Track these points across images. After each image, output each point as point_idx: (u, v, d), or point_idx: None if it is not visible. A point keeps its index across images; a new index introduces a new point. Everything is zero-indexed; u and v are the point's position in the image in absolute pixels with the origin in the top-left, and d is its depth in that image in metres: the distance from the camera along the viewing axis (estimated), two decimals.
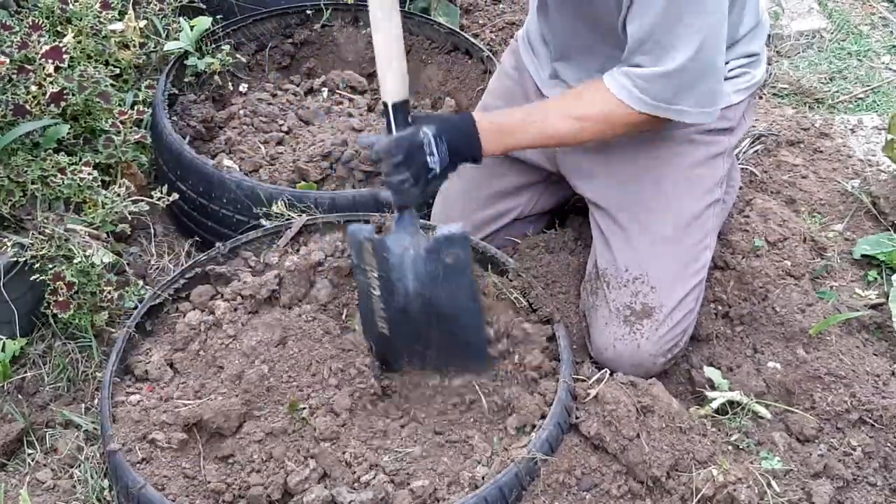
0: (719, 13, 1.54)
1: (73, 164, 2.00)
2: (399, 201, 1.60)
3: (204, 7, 2.70)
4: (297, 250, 1.91)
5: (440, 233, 1.58)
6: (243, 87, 2.67)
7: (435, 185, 1.62)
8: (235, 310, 1.80)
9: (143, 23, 2.50)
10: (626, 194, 1.81)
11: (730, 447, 1.65)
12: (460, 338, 1.66)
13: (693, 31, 1.52)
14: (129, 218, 2.05)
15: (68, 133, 2.09)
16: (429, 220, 2.09)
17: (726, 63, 1.79)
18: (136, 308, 1.87)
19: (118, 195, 2.02)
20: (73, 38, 2.26)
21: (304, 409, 1.59)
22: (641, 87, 1.59)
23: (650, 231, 1.79)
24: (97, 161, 2.11)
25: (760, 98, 2.85)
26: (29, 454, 1.78)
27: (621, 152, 1.82)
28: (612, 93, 1.61)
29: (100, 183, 2.01)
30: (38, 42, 2.04)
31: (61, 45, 2.05)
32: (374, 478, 1.52)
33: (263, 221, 1.98)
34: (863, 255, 2.11)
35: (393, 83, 1.55)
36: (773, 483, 1.55)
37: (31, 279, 1.87)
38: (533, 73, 1.94)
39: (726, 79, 1.80)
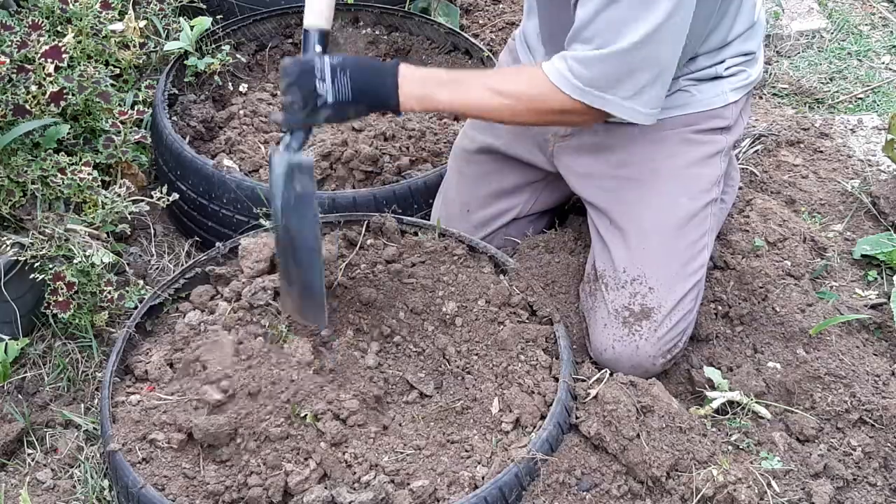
0: (675, 14, 1.49)
1: (73, 164, 2.00)
2: (284, 121, 1.55)
3: (204, 7, 2.70)
4: None
5: (292, 159, 1.55)
6: (243, 87, 2.67)
7: (325, 114, 1.55)
8: (235, 311, 1.80)
9: (143, 23, 2.50)
10: (623, 194, 1.81)
11: (730, 447, 1.66)
12: (304, 279, 1.63)
13: (639, 20, 1.47)
14: (129, 218, 2.05)
15: (68, 133, 2.09)
16: (428, 219, 2.09)
17: (722, 62, 1.79)
18: (136, 308, 1.87)
19: (118, 195, 2.02)
20: (73, 37, 2.26)
21: (306, 415, 1.59)
22: (575, 71, 1.54)
23: (647, 231, 1.79)
24: (97, 161, 2.11)
25: (760, 98, 2.85)
26: (29, 454, 1.78)
27: (617, 152, 1.82)
28: (544, 74, 1.56)
29: (100, 183, 2.01)
30: (38, 42, 2.04)
31: (61, 44, 2.05)
32: (374, 478, 1.52)
33: (263, 221, 1.98)
34: (863, 255, 2.11)
35: (310, 10, 1.57)
36: (773, 483, 1.55)
37: (32, 279, 1.88)
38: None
39: (722, 77, 1.80)
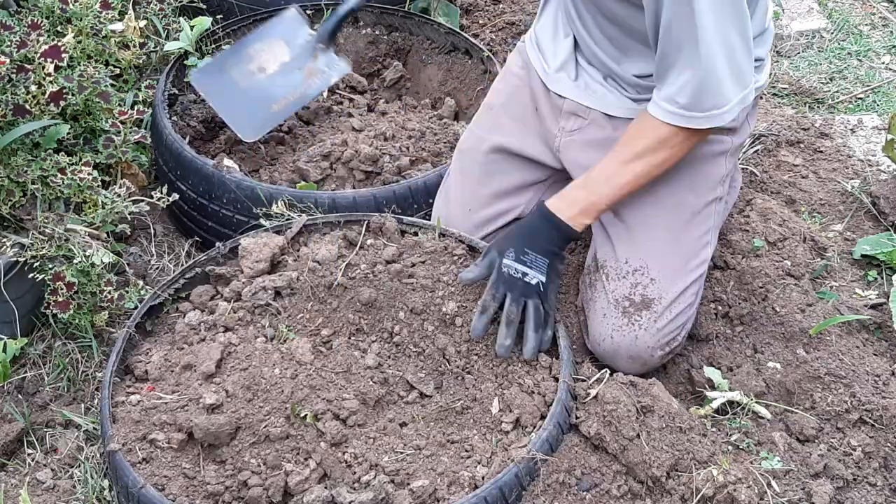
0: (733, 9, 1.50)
1: (73, 164, 2.00)
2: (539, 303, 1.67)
3: (204, 7, 2.70)
4: (298, 250, 1.91)
5: None
6: None
7: (549, 293, 1.69)
8: (235, 311, 1.80)
9: (143, 23, 2.50)
10: None
11: (730, 447, 1.65)
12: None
13: (706, 29, 1.49)
14: (129, 218, 2.05)
15: (68, 133, 2.09)
16: (428, 219, 2.09)
17: None
18: (136, 308, 1.87)
19: (118, 195, 2.02)
20: (73, 37, 2.25)
21: (306, 415, 1.59)
22: (685, 105, 1.57)
23: (651, 224, 1.79)
24: (97, 161, 2.11)
25: (760, 98, 2.85)
26: (29, 454, 1.78)
27: None
28: (661, 121, 1.61)
29: (100, 183, 2.01)
30: (38, 41, 2.04)
31: (61, 44, 2.05)
32: (374, 478, 1.52)
33: (263, 221, 1.98)
34: (863, 255, 2.11)
35: None
36: (773, 483, 1.55)
37: (32, 279, 1.88)
38: (538, 69, 1.94)
39: None
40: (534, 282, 1.66)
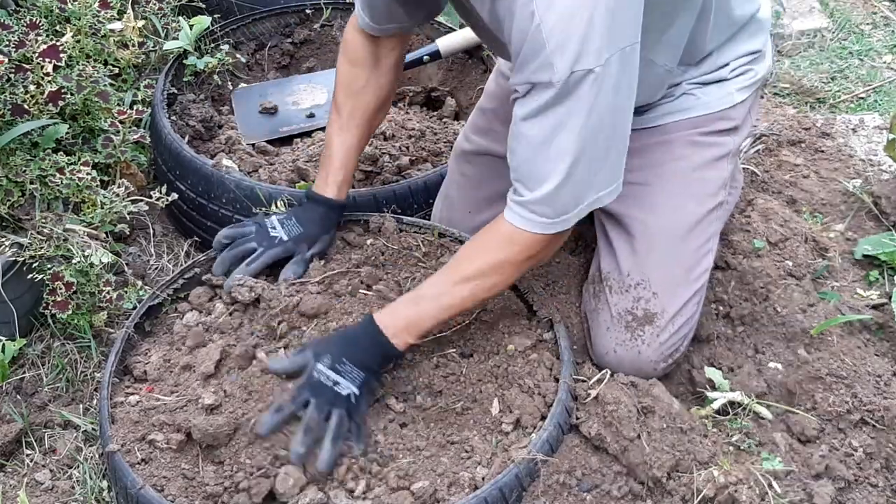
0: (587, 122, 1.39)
1: (71, 163, 2.00)
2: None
3: (203, 6, 2.70)
4: None
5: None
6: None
7: (370, 390, 1.59)
8: (231, 314, 1.80)
9: (142, 22, 2.50)
10: (630, 199, 1.79)
11: (731, 448, 1.65)
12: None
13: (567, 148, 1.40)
14: (128, 218, 2.04)
15: (67, 133, 2.08)
16: (429, 219, 2.08)
17: (726, 65, 1.77)
18: (134, 308, 1.86)
19: (117, 195, 2.02)
20: (72, 37, 2.25)
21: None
22: (540, 211, 1.48)
23: (654, 236, 1.77)
24: (96, 161, 2.11)
25: (761, 97, 2.84)
26: (27, 455, 1.78)
27: (628, 161, 1.81)
28: (515, 226, 1.51)
29: (98, 183, 2.01)
30: (36, 41, 2.03)
31: (59, 44, 2.05)
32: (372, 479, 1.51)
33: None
34: (864, 256, 2.10)
35: None
36: (775, 484, 1.55)
37: (30, 279, 1.87)
38: None
39: (727, 80, 1.78)
40: (345, 392, 1.53)
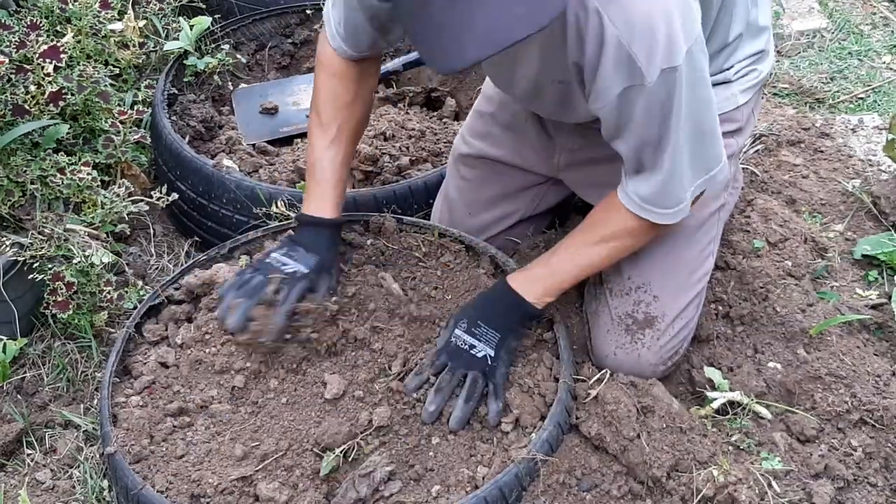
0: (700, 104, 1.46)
1: (72, 163, 2.00)
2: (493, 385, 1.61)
3: (203, 7, 2.70)
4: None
5: None
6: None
7: (500, 371, 1.62)
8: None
9: (142, 22, 2.50)
10: None
11: (730, 447, 1.65)
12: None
13: (677, 140, 1.46)
14: (129, 218, 2.05)
15: (68, 133, 2.09)
16: (428, 219, 2.09)
17: (730, 67, 1.77)
18: (135, 308, 1.86)
19: (118, 195, 2.02)
20: (73, 37, 2.25)
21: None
22: (653, 202, 1.54)
23: (656, 240, 1.76)
24: (96, 161, 2.11)
25: (763, 97, 2.84)
26: (28, 454, 1.78)
27: None
28: (629, 211, 1.57)
29: (99, 183, 2.01)
30: (37, 41, 2.04)
31: (60, 44, 2.05)
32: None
33: (265, 221, 1.98)
34: (863, 256, 2.11)
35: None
36: (774, 483, 1.55)
37: (31, 279, 1.87)
38: None
39: (731, 81, 1.78)
40: (480, 355, 1.61)
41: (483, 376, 1.60)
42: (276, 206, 2.02)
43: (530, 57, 1.55)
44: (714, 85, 1.78)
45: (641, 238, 1.64)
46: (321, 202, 1.74)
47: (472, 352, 1.61)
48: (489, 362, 1.61)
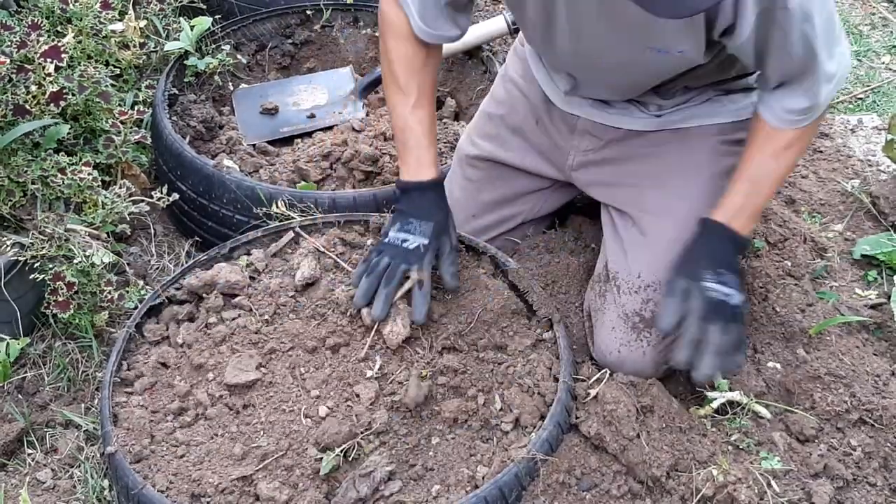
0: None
1: (73, 164, 2.00)
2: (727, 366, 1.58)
3: (204, 7, 2.70)
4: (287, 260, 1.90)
5: None
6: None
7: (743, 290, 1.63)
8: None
9: (143, 23, 2.51)
10: (648, 201, 1.80)
11: (730, 447, 1.65)
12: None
13: (819, 48, 1.49)
14: (129, 218, 2.05)
15: (68, 133, 2.09)
16: None
17: (749, 75, 1.77)
18: (136, 308, 1.87)
19: (118, 195, 2.02)
20: (73, 37, 2.26)
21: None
22: (810, 107, 1.59)
23: (668, 238, 1.76)
24: (97, 161, 2.11)
25: None
26: (29, 454, 1.78)
27: (644, 161, 1.81)
28: (791, 130, 1.61)
29: (100, 183, 2.01)
30: (38, 42, 2.04)
31: (61, 44, 2.05)
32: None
33: (265, 221, 1.99)
34: (863, 255, 2.11)
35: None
36: (773, 483, 1.55)
37: (32, 279, 1.88)
38: (548, 89, 1.90)
39: (753, 88, 1.79)
40: (734, 301, 1.58)
41: (736, 323, 1.57)
42: (277, 206, 2.03)
43: (646, 23, 1.47)
44: (735, 91, 1.79)
45: (812, 132, 1.67)
46: (419, 166, 1.74)
47: (731, 302, 1.58)
48: (741, 308, 1.59)
